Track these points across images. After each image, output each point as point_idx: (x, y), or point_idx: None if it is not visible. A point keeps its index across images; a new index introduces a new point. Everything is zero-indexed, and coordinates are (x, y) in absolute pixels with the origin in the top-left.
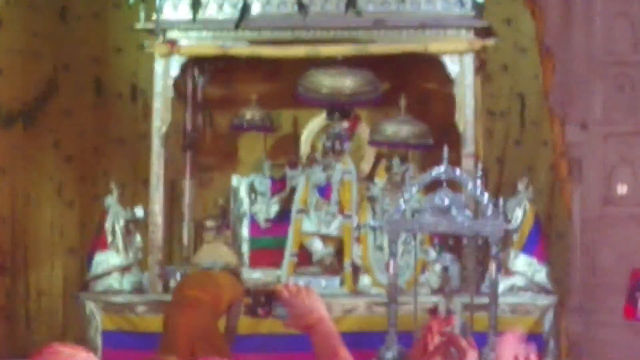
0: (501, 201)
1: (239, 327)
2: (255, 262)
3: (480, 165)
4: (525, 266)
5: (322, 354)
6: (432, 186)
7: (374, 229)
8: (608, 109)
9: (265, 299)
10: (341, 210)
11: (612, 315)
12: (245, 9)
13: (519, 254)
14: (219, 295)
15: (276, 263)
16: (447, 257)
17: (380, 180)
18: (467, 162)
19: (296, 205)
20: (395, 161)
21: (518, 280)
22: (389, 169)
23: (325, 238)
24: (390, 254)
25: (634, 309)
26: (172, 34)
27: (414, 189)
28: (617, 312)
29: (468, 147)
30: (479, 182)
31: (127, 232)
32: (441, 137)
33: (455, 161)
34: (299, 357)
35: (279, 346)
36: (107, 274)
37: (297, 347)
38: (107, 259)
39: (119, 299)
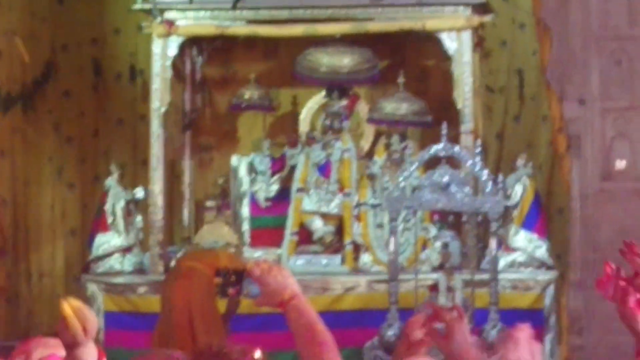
0: (501, 177)
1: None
2: (256, 241)
3: (479, 142)
4: (525, 242)
5: (298, 330)
6: (432, 163)
7: (373, 206)
8: (605, 84)
9: (235, 278)
10: (341, 189)
11: None
12: None
13: (519, 230)
14: (215, 265)
15: (277, 242)
16: (447, 234)
17: (379, 158)
18: (466, 139)
19: (296, 184)
20: (395, 139)
21: (518, 256)
22: (388, 146)
23: (325, 216)
24: (390, 231)
25: None
26: (170, 15)
27: (414, 166)
28: None
29: (467, 124)
30: (478, 158)
31: (128, 213)
32: (440, 114)
33: (455, 138)
34: None
35: (280, 325)
36: (108, 255)
37: None
38: (108, 240)
39: (120, 279)
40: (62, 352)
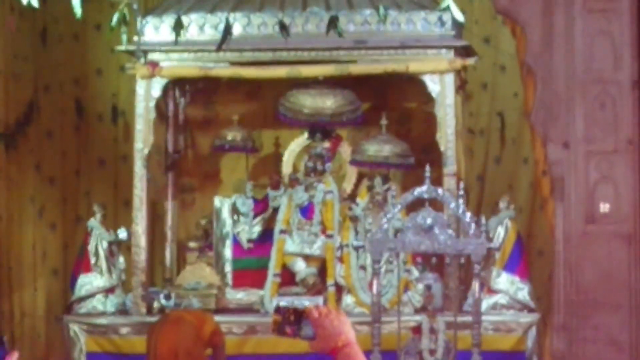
0: (483, 219)
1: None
2: (238, 283)
3: (462, 184)
4: (507, 284)
5: None
6: (414, 205)
7: (356, 248)
8: (589, 127)
9: (294, 318)
10: (323, 230)
11: (596, 332)
12: (227, 30)
13: (501, 272)
14: (202, 318)
15: (259, 283)
16: (430, 276)
17: (362, 200)
18: (449, 181)
19: (279, 225)
20: (377, 181)
21: (500, 299)
22: (370, 188)
23: (308, 258)
24: (373, 273)
25: None
26: (154, 56)
27: (397, 209)
28: (601, 329)
29: (449, 166)
30: (461, 201)
31: (111, 254)
32: (422, 156)
33: (437, 180)
34: None
35: None
36: (90, 295)
37: None
38: (90, 281)
39: (102, 320)
40: None
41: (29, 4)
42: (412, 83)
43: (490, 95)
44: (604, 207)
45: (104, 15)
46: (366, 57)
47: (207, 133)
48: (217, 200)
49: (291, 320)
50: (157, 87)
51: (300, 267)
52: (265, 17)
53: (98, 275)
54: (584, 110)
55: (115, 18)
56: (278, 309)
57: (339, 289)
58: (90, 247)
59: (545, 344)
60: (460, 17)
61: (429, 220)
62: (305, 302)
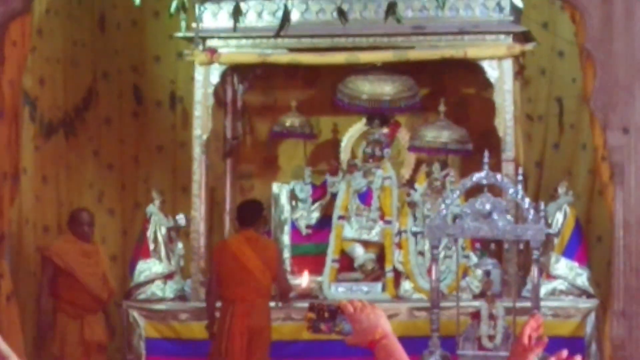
0: (542, 205)
1: (282, 334)
2: (296, 269)
3: (521, 170)
4: (566, 270)
5: None
6: (473, 191)
7: (415, 234)
8: None
9: (329, 315)
10: (382, 216)
11: None
12: (285, 17)
13: (560, 257)
14: (266, 287)
15: (318, 269)
16: (489, 261)
17: (420, 185)
18: (508, 167)
19: (337, 211)
20: (436, 166)
21: (559, 284)
22: (429, 174)
23: (366, 244)
24: (431, 259)
25: None
26: (212, 42)
27: (455, 194)
28: None
29: (508, 152)
30: (519, 186)
31: (169, 240)
32: (481, 142)
33: (495, 166)
34: None
35: (321, 352)
36: (149, 281)
37: (339, 353)
38: (149, 267)
39: (161, 306)
40: None
41: None
42: (470, 69)
43: (548, 80)
44: None
45: (162, 2)
46: (424, 42)
47: (266, 119)
48: (275, 187)
49: (325, 317)
50: (215, 74)
51: (359, 253)
52: (323, 3)
53: (157, 261)
54: None
55: (173, 5)
56: (312, 307)
57: (398, 275)
58: (149, 233)
59: (605, 330)
60: (518, 2)
61: (487, 206)
62: (364, 287)
